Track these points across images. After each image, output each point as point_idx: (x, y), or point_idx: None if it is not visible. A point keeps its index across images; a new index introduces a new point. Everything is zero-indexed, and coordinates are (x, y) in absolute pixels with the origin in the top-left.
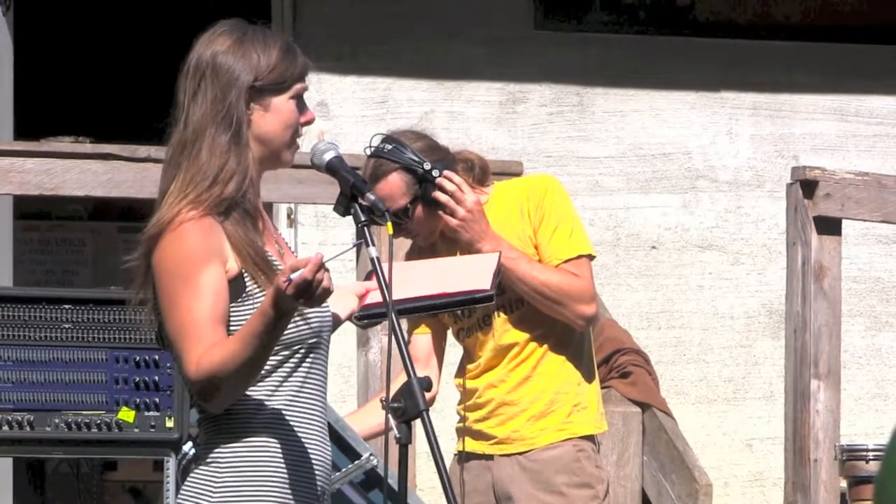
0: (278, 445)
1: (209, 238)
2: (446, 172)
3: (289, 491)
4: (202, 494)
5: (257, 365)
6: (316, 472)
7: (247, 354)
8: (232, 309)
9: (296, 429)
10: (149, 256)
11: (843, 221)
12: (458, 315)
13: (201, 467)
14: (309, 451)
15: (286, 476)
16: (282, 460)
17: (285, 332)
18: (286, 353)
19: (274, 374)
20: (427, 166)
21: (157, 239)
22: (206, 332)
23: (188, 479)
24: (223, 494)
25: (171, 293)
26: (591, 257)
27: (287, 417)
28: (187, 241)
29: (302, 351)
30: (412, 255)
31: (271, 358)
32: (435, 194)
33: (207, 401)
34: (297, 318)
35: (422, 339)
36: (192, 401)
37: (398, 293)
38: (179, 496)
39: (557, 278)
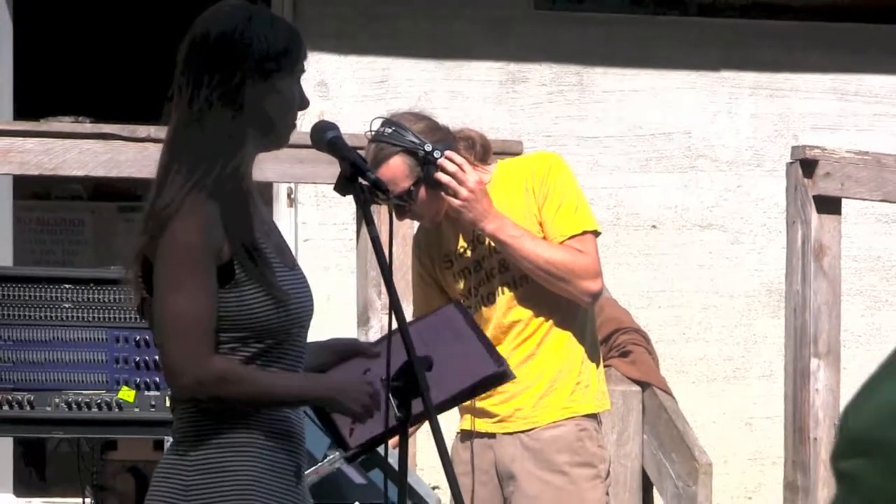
0: (254, 425)
1: (213, 230)
2: (448, 153)
3: (266, 468)
4: (179, 473)
5: (269, 404)
6: (291, 448)
7: (271, 396)
8: (219, 295)
9: (273, 412)
10: (155, 238)
11: (843, 200)
12: (465, 293)
13: (177, 447)
14: (284, 429)
15: (263, 454)
16: (258, 439)
17: (268, 321)
18: (270, 341)
19: (255, 363)
20: (428, 148)
21: (167, 222)
22: (210, 330)
23: (164, 458)
24: (201, 473)
25: (175, 279)
26: (596, 233)
27: None
28: (199, 229)
29: (282, 338)
30: (419, 236)
31: (252, 345)
32: (437, 175)
33: (201, 398)
34: (279, 308)
35: None
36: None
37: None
38: (156, 475)
39: (562, 255)
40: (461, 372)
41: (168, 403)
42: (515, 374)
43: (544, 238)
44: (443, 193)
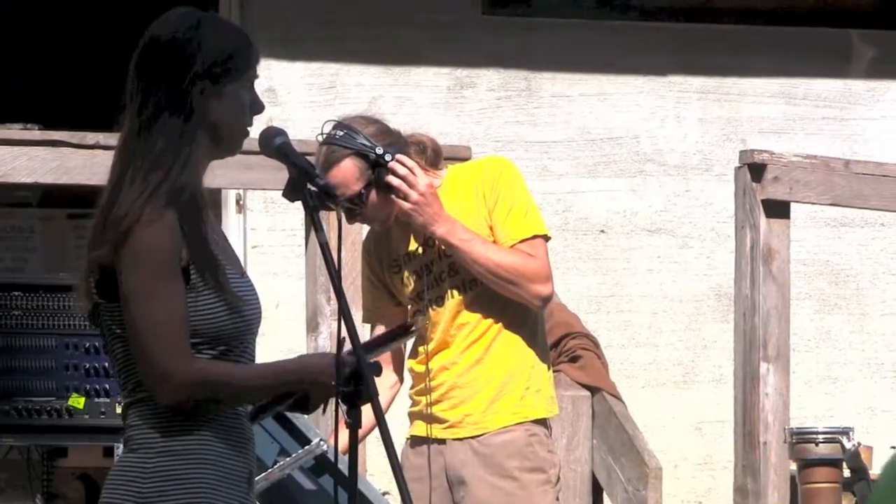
0: (207, 431)
1: (176, 235)
2: (399, 156)
3: (221, 475)
4: (134, 480)
5: (259, 396)
6: (244, 456)
7: (250, 388)
8: None
9: (223, 414)
10: (116, 249)
11: (792, 204)
12: (414, 297)
13: (129, 454)
14: (236, 435)
15: (217, 461)
16: (212, 445)
17: (223, 327)
18: (223, 347)
19: None
20: (379, 151)
21: (128, 233)
22: (187, 333)
23: (116, 464)
24: (157, 479)
25: (149, 287)
26: (546, 238)
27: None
28: (163, 236)
29: (234, 345)
30: (369, 240)
31: (205, 352)
32: (387, 178)
33: (188, 401)
34: (234, 314)
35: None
36: (131, 384)
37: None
38: (109, 482)
39: (512, 259)
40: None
41: (118, 410)
42: (465, 379)
43: (494, 242)
44: (393, 197)
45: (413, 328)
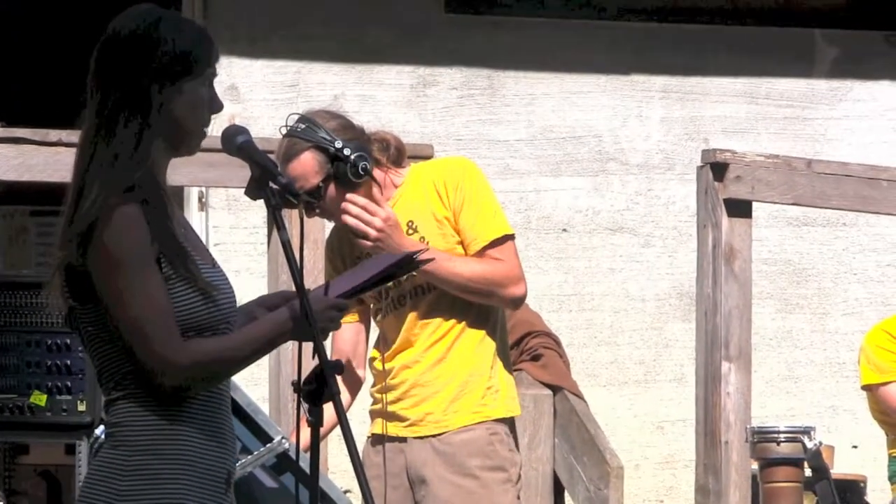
0: (189, 429)
1: (142, 228)
2: (348, 196)
3: (199, 474)
4: (111, 477)
5: (252, 361)
6: (224, 455)
7: (251, 352)
8: None
9: (205, 413)
10: (84, 249)
11: (754, 204)
12: (376, 296)
13: (109, 450)
14: (217, 435)
15: (196, 460)
16: (192, 444)
17: (198, 317)
18: (199, 338)
19: None
20: (338, 145)
21: (93, 230)
22: (173, 320)
23: (95, 460)
24: (134, 478)
25: (127, 282)
26: (512, 237)
27: (197, 401)
28: (131, 230)
29: (207, 334)
30: (332, 238)
31: None
32: (343, 218)
33: (191, 385)
34: (209, 303)
35: (346, 331)
36: (112, 382)
37: (333, 291)
38: (87, 478)
39: (482, 269)
40: (369, 270)
41: (80, 408)
42: (426, 377)
43: (461, 243)
44: (352, 237)
45: (416, 258)
